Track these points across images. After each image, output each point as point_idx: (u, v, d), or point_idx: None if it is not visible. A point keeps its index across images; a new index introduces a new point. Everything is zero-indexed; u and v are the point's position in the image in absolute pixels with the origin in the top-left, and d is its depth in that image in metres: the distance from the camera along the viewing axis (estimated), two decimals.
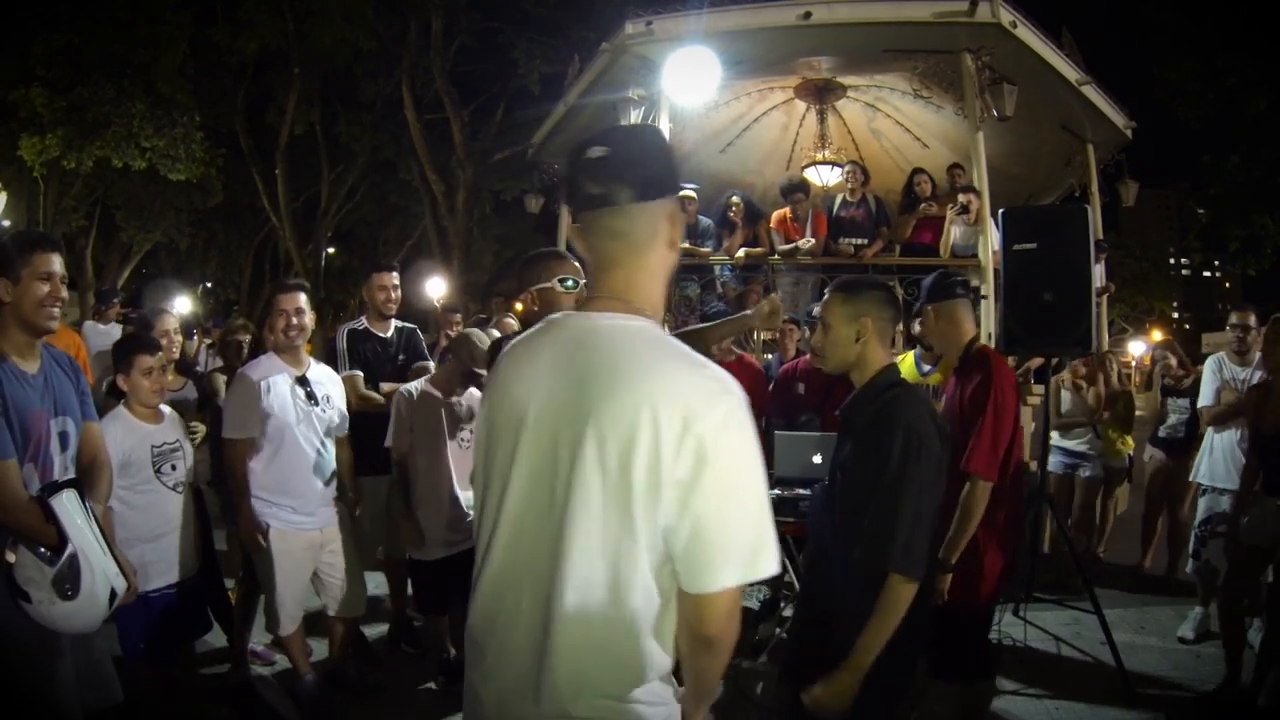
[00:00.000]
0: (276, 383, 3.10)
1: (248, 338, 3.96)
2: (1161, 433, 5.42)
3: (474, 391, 3.43)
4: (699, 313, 6.59)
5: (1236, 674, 3.57)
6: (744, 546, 1.11)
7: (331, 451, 3.26)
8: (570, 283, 2.47)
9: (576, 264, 2.55)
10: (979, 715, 3.02)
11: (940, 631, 2.55)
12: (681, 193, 1.33)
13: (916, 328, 3.73)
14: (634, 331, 1.19)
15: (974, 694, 2.82)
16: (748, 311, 2.69)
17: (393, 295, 3.95)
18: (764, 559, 1.12)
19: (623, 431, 1.09)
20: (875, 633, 1.83)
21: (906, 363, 4.06)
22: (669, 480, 1.08)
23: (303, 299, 3.19)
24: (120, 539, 2.74)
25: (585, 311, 1.25)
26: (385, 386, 3.78)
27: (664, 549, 1.12)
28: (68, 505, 2.02)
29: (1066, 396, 5.32)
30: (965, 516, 2.50)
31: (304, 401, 3.16)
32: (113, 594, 2.08)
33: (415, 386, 3.48)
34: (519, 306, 3.51)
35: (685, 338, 3.07)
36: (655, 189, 1.23)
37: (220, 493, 3.79)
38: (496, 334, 3.59)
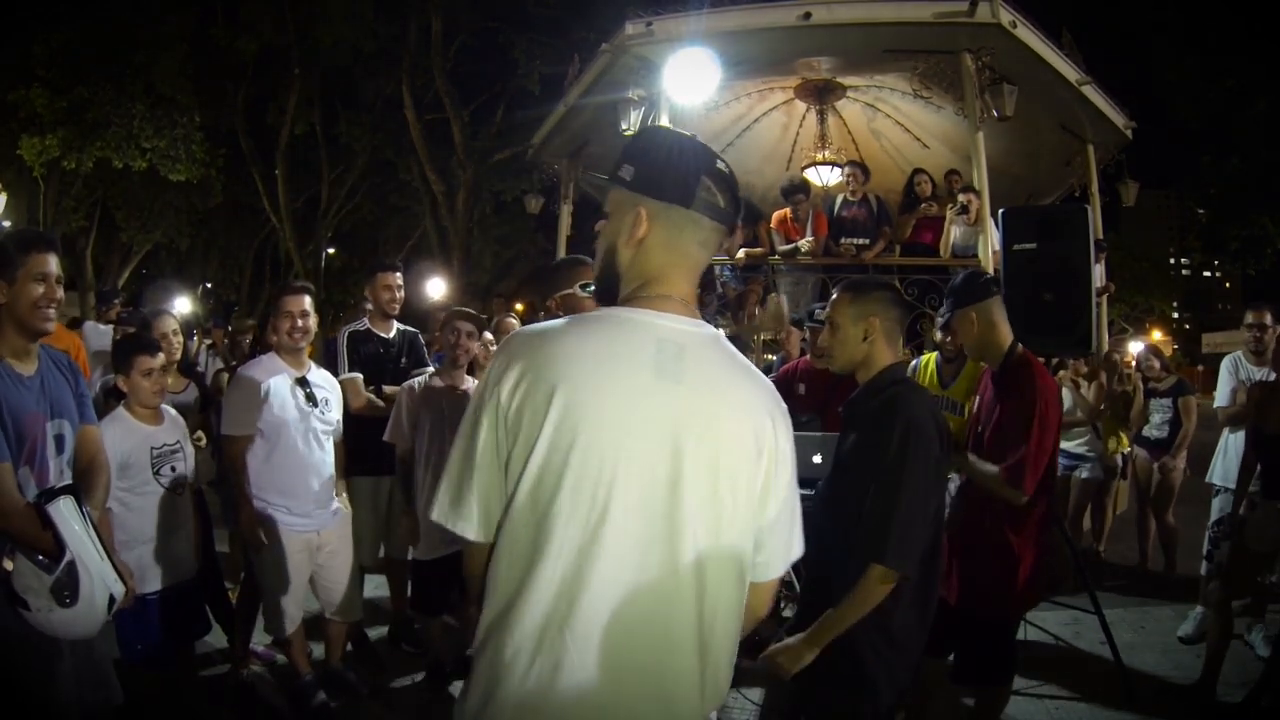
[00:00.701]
0: (277, 382, 3.11)
1: (252, 337, 3.97)
2: (1145, 432, 5.43)
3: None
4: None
5: (1216, 671, 3.57)
6: (798, 535, 1.29)
7: (329, 453, 3.26)
8: (592, 287, 2.52)
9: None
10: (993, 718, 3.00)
11: (967, 637, 2.56)
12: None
13: (937, 335, 3.63)
14: (720, 344, 1.24)
15: (991, 696, 2.77)
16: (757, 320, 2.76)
17: (397, 295, 3.94)
18: (800, 543, 1.30)
19: (747, 444, 1.17)
20: (843, 612, 1.86)
21: (928, 371, 3.96)
22: (769, 487, 1.20)
23: (308, 301, 3.22)
24: (119, 540, 2.74)
25: (660, 310, 1.19)
26: (388, 390, 3.76)
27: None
28: (65, 512, 2.00)
29: (1066, 395, 5.32)
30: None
31: (303, 402, 3.16)
32: (111, 600, 2.08)
33: (420, 380, 3.49)
34: (520, 306, 3.54)
35: None
36: (733, 222, 1.29)
37: (221, 493, 3.80)
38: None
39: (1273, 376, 4.19)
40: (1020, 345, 2.62)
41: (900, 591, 1.87)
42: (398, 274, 3.99)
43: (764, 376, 1.27)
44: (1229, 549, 3.69)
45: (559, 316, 2.63)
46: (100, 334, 5.38)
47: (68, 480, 2.17)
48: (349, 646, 3.66)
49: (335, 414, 3.32)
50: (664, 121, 6.63)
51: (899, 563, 1.83)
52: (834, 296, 2.17)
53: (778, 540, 1.24)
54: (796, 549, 1.28)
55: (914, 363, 4.04)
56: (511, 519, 1.11)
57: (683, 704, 1.13)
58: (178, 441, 2.98)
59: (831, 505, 2.11)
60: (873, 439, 1.96)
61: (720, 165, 1.24)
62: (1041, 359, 4.35)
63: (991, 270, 5.82)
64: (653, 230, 1.21)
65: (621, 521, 1.08)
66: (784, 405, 1.26)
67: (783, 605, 4.39)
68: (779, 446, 1.21)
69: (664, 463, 1.10)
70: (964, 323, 2.62)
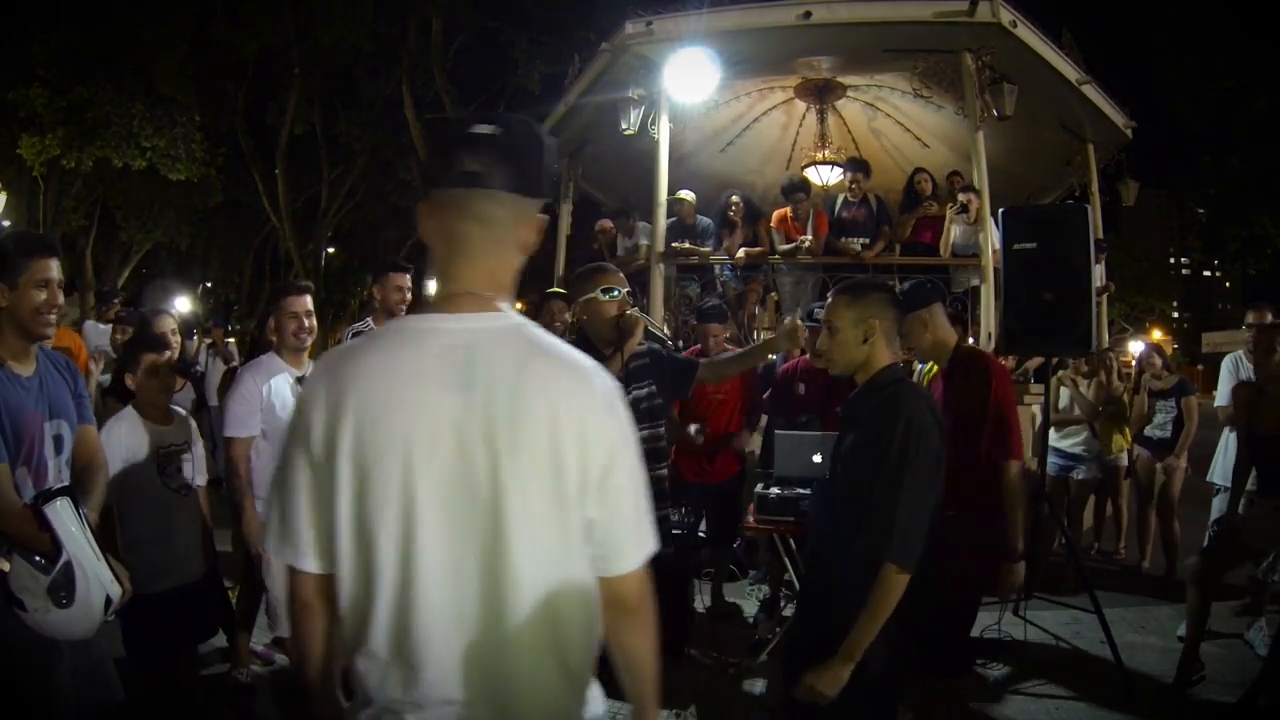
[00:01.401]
0: (278, 383, 3.10)
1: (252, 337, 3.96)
2: (1147, 432, 5.43)
3: None
4: (697, 310, 6.59)
5: (1194, 655, 3.61)
6: (646, 527, 1.19)
7: None
8: (615, 292, 2.56)
9: (621, 275, 2.66)
10: (964, 712, 3.03)
11: (932, 627, 2.55)
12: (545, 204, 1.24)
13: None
14: (521, 334, 1.15)
15: (960, 689, 2.82)
16: (772, 337, 2.94)
17: (408, 297, 3.92)
18: (651, 537, 1.20)
19: (554, 438, 1.08)
20: (868, 622, 1.85)
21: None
22: (593, 480, 1.11)
23: (310, 301, 3.21)
24: (123, 540, 2.74)
25: (447, 312, 1.14)
26: None
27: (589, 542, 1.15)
28: (62, 513, 2.00)
29: (1064, 394, 5.32)
30: (1015, 498, 2.68)
31: None
32: (108, 601, 2.08)
33: None
34: (568, 317, 3.62)
35: (723, 365, 3.22)
36: (533, 187, 1.18)
37: (222, 493, 3.79)
38: None
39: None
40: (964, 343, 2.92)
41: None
42: (408, 275, 3.98)
43: (588, 362, 1.16)
44: (1219, 535, 3.71)
45: (583, 320, 2.66)
46: (99, 333, 5.38)
47: (66, 480, 2.17)
48: None
49: None
50: (664, 121, 6.64)
51: (906, 560, 1.84)
52: (830, 300, 2.18)
53: (620, 532, 1.15)
54: (647, 542, 1.19)
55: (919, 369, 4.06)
56: (339, 546, 1.10)
57: (532, 699, 1.12)
58: (185, 442, 2.97)
59: (832, 504, 2.12)
60: (873, 438, 1.96)
61: (480, 129, 1.13)
62: (1041, 359, 4.40)
63: (992, 270, 5.83)
64: (427, 225, 1.18)
65: (432, 538, 1.07)
66: (615, 392, 1.16)
67: (783, 604, 4.40)
68: (608, 435, 1.12)
69: (462, 474, 1.07)
70: (916, 325, 2.76)
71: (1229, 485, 4.16)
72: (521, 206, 1.18)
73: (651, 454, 2.37)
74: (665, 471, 3.02)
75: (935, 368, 3.90)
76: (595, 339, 2.64)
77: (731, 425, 4.32)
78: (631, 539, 1.17)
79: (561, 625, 1.12)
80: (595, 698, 1.22)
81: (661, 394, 2.81)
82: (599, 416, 1.12)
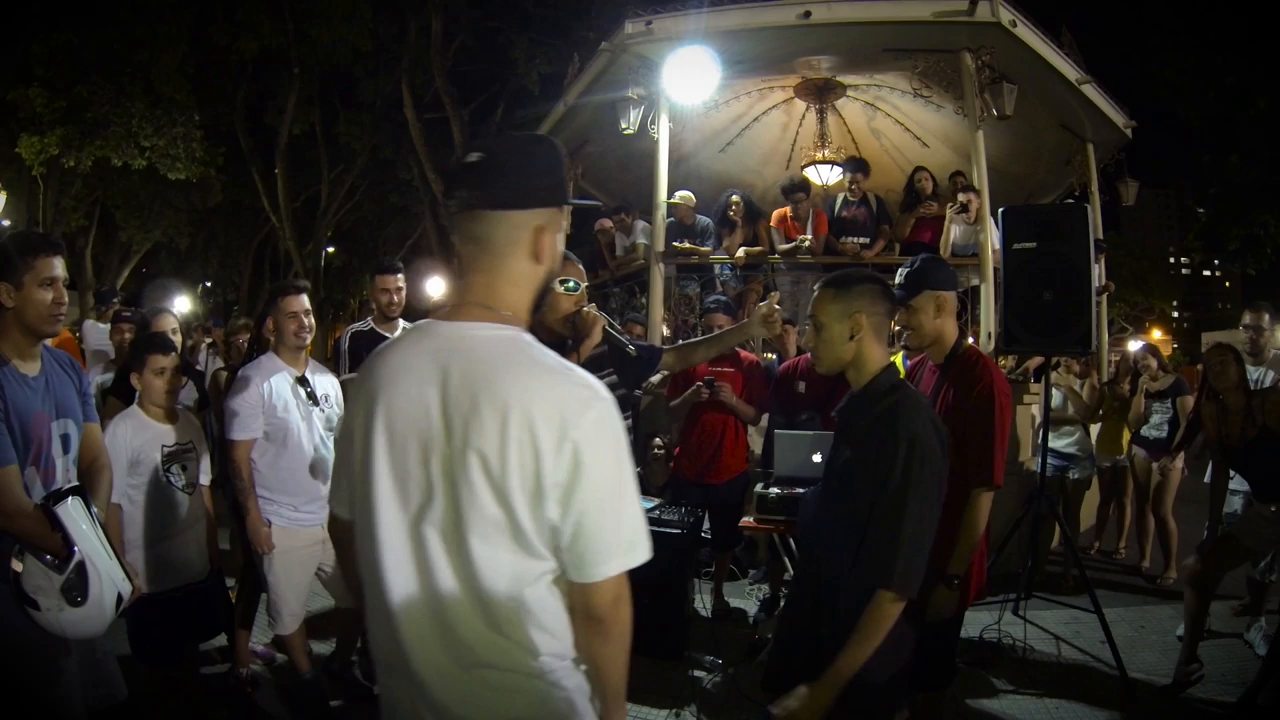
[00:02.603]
0: (279, 383, 3.11)
1: (249, 336, 3.95)
2: (1144, 432, 5.44)
3: None
4: (699, 309, 6.60)
5: (1192, 655, 3.62)
6: (622, 539, 1.20)
7: (331, 449, 3.27)
8: (571, 285, 2.48)
9: (580, 267, 2.56)
10: (964, 711, 2.95)
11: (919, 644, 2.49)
12: (567, 205, 1.34)
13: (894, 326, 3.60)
14: (504, 342, 1.22)
15: (936, 701, 2.68)
16: (745, 321, 2.73)
17: (395, 298, 3.89)
18: (639, 549, 1.21)
19: (504, 441, 1.14)
20: (858, 648, 1.76)
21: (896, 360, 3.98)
22: (550, 484, 1.14)
23: (307, 301, 3.22)
24: (129, 538, 2.76)
25: (452, 320, 1.26)
26: None
27: (553, 544, 1.19)
28: (73, 512, 2.02)
29: (1056, 394, 5.32)
30: (976, 527, 2.40)
31: (305, 401, 3.17)
32: (119, 599, 2.09)
33: None
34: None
35: (689, 350, 3.11)
36: (520, 199, 1.25)
37: (224, 492, 3.79)
38: None
39: (1270, 377, 4.22)
40: (966, 343, 2.62)
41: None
42: (397, 276, 3.93)
43: (567, 373, 1.21)
44: (1213, 538, 3.73)
45: (540, 313, 2.60)
46: (99, 333, 5.38)
47: (73, 480, 2.18)
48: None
49: (337, 410, 3.32)
50: (663, 120, 6.64)
51: (905, 588, 1.75)
52: (815, 293, 2.01)
53: (587, 540, 1.17)
54: (637, 555, 1.21)
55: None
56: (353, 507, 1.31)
57: (472, 660, 1.19)
58: (190, 442, 2.98)
59: (826, 521, 2.02)
60: (872, 456, 1.83)
61: (470, 158, 1.26)
62: (1040, 358, 4.40)
63: (991, 269, 5.83)
64: (456, 242, 1.30)
65: (390, 512, 1.21)
66: (605, 407, 1.19)
67: (782, 604, 4.40)
68: (583, 449, 1.15)
69: (422, 461, 1.19)
70: (928, 305, 2.51)
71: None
72: (514, 219, 1.26)
73: None
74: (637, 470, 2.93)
75: (899, 356, 3.83)
76: (546, 331, 2.47)
77: (729, 425, 4.32)
78: (601, 549, 1.18)
79: (495, 609, 1.18)
80: (566, 669, 1.24)
81: (624, 383, 2.71)
82: (558, 424, 1.14)
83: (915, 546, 1.76)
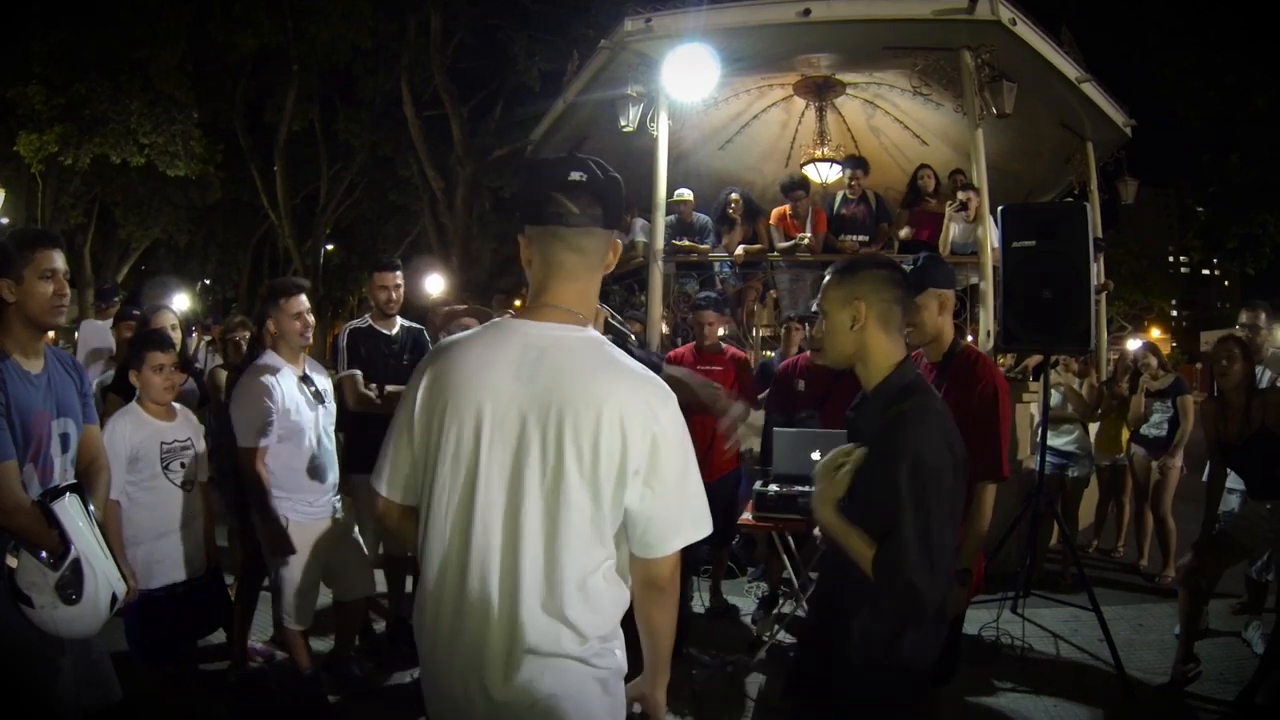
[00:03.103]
0: (284, 383, 3.10)
1: (247, 334, 3.94)
2: (1143, 430, 5.44)
3: None
4: (692, 300, 6.59)
5: (1189, 653, 3.63)
6: (689, 516, 1.39)
7: (333, 444, 3.28)
8: None
9: None
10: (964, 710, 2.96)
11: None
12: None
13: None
14: (593, 344, 1.39)
15: (937, 696, 2.73)
16: (720, 391, 3.01)
17: (393, 295, 3.87)
18: (703, 524, 1.40)
19: (596, 431, 1.29)
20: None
21: None
22: (632, 470, 1.31)
23: (307, 299, 3.22)
24: (127, 535, 2.75)
25: (536, 320, 1.39)
26: (390, 388, 3.69)
27: (621, 533, 1.37)
28: (70, 510, 2.01)
29: (1055, 393, 5.32)
30: (982, 522, 2.44)
31: (310, 399, 3.17)
32: (113, 598, 2.08)
33: None
34: (519, 303, 3.51)
35: (678, 383, 3.19)
36: (616, 222, 1.46)
37: (223, 490, 3.79)
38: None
39: (1266, 377, 4.22)
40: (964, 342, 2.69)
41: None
42: (395, 273, 3.91)
43: (646, 374, 1.38)
44: (1209, 534, 3.73)
45: None
46: (98, 331, 5.37)
47: (71, 479, 2.17)
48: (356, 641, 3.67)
49: (334, 406, 3.34)
50: (663, 118, 6.63)
51: (936, 605, 1.72)
52: (824, 281, 1.93)
53: (659, 522, 1.35)
54: (701, 530, 1.39)
55: None
56: (424, 492, 1.40)
57: (530, 643, 1.31)
58: (189, 438, 2.98)
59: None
60: (879, 470, 1.71)
61: (574, 176, 1.38)
62: (1039, 357, 4.40)
63: (991, 267, 5.83)
64: (530, 251, 1.43)
65: (483, 496, 1.32)
66: (675, 404, 1.37)
67: (780, 602, 4.40)
68: (660, 440, 1.32)
69: (517, 450, 1.31)
70: (931, 302, 2.55)
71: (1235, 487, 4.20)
72: (606, 237, 1.44)
73: None
74: None
75: None
76: None
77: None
78: (670, 528, 1.36)
79: (561, 594, 1.31)
80: (605, 650, 1.38)
81: None
82: (643, 418, 1.31)
83: (934, 574, 1.66)
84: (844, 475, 1.76)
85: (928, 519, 1.64)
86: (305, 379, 3.20)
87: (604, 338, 1.42)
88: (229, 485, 3.57)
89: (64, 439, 2.17)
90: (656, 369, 2.89)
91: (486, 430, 1.32)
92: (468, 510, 1.33)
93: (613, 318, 2.63)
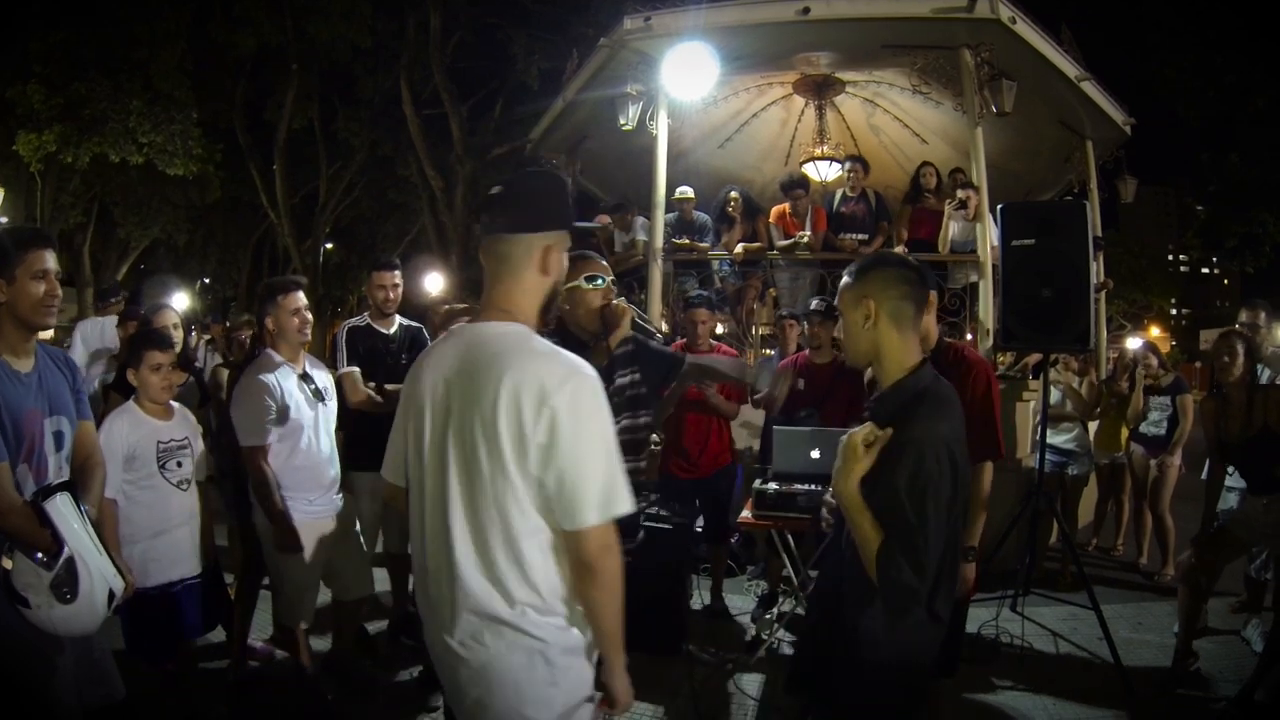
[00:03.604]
0: (285, 381, 3.10)
1: (251, 333, 3.94)
2: (1143, 429, 5.45)
3: None
4: (684, 298, 6.60)
5: (1187, 650, 3.64)
6: (599, 493, 1.43)
7: (334, 442, 3.28)
8: (599, 280, 2.51)
9: (604, 263, 2.61)
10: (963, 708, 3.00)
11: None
12: (573, 226, 1.68)
13: None
14: (509, 333, 1.52)
15: (937, 690, 2.75)
16: (766, 375, 3.21)
17: (391, 294, 3.87)
18: (617, 503, 1.45)
19: (496, 408, 1.41)
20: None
21: None
22: (533, 444, 1.41)
23: (304, 295, 3.22)
24: (124, 534, 2.75)
25: (479, 321, 1.58)
26: (389, 387, 3.67)
27: (542, 503, 1.45)
28: (62, 509, 2.00)
29: (1055, 391, 5.32)
30: (981, 500, 2.66)
31: (310, 397, 3.17)
32: (111, 595, 2.08)
33: None
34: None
35: (708, 369, 3.26)
36: (531, 224, 1.56)
37: (222, 489, 3.79)
38: None
39: (1266, 374, 4.22)
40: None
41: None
42: (393, 272, 3.91)
43: (554, 357, 1.47)
44: (1207, 531, 3.74)
45: (566, 309, 2.66)
46: (96, 330, 5.35)
47: (66, 477, 2.17)
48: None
49: (335, 403, 3.33)
50: (662, 116, 6.63)
51: (936, 607, 1.74)
52: (840, 283, 1.92)
53: (569, 493, 1.42)
54: (615, 508, 1.44)
55: None
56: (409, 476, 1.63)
57: (470, 604, 1.48)
58: (186, 437, 2.98)
59: (846, 535, 1.93)
60: (883, 470, 1.71)
61: (493, 190, 1.58)
62: (1039, 355, 4.41)
63: (990, 266, 5.83)
64: (483, 260, 1.62)
65: (431, 476, 1.53)
66: (581, 380, 1.44)
67: (780, 600, 4.40)
68: (559, 415, 1.40)
69: (441, 436, 1.51)
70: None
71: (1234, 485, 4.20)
72: (529, 240, 1.56)
73: (628, 445, 2.33)
74: (643, 464, 2.90)
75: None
76: (576, 328, 2.55)
77: (713, 420, 4.32)
78: (580, 501, 1.42)
79: (493, 559, 1.46)
80: (544, 623, 1.48)
81: (645, 383, 2.75)
82: (537, 393, 1.40)
83: (938, 579, 1.68)
84: (873, 452, 1.73)
85: (925, 530, 1.65)
86: (305, 377, 3.19)
87: (528, 330, 1.54)
88: (228, 484, 3.57)
89: (58, 437, 2.16)
90: (679, 364, 2.96)
91: (428, 418, 1.53)
92: (420, 489, 1.56)
93: (640, 317, 2.70)
